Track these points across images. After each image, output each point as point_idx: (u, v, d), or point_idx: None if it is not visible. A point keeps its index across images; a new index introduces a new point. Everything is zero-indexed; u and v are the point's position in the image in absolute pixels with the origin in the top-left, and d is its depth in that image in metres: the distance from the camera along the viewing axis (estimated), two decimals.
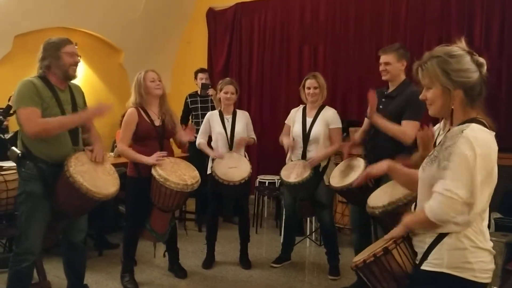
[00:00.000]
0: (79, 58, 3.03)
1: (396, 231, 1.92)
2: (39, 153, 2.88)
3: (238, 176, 3.98)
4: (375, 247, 1.99)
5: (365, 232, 3.66)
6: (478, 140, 1.66)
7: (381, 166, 2.19)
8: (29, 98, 2.83)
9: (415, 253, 1.88)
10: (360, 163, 3.46)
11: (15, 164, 3.26)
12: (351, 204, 3.81)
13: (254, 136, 4.38)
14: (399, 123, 3.33)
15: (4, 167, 3.97)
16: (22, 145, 2.92)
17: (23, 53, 5.33)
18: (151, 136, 3.65)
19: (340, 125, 3.99)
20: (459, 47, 1.78)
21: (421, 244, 1.83)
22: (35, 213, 2.87)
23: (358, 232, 3.70)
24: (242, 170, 4.04)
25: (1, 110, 4.79)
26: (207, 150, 4.23)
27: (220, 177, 3.96)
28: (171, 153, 3.74)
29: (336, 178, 3.56)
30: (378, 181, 3.39)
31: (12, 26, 5.32)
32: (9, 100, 4.69)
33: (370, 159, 3.43)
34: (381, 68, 3.48)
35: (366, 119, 3.70)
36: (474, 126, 1.70)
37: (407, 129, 3.25)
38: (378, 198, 2.83)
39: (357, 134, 3.75)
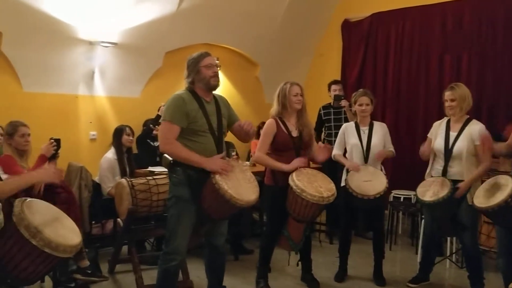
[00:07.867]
0: (218, 68, 3.18)
1: None
2: None
3: (373, 190, 3.88)
4: None
5: None
6: None
7: None
8: (174, 114, 3.02)
9: None
10: (508, 182, 3.15)
11: (165, 170, 3.55)
12: (498, 225, 3.49)
13: (392, 148, 4.21)
14: None
15: (155, 172, 4.36)
16: None
17: (172, 68, 5.81)
18: (288, 147, 3.71)
19: None
20: None
21: None
22: (183, 216, 3.07)
23: (506, 256, 3.37)
24: (378, 184, 3.92)
25: (152, 120, 5.31)
26: (342, 160, 4.18)
27: (354, 190, 3.89)
28: (307, 164, 3.77)
29: (480, 198, 3.28)
30: None
31: (163, 43, 5.83)
32: (158, 110, 5.16)
33: None
34: None
35: None
36: None
37: None
38: None
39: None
